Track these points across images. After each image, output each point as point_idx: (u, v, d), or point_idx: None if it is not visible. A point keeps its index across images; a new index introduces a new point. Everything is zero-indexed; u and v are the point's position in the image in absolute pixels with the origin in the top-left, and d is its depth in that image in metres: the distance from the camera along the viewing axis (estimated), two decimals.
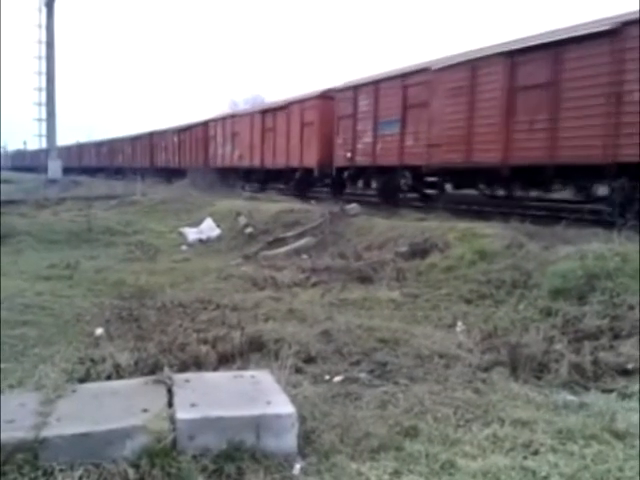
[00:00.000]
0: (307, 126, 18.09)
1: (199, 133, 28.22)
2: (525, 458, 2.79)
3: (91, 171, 45.87)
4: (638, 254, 5.81)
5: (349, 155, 15.77)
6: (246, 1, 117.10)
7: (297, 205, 13.43)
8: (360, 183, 16.71)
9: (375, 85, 14.87)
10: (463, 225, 8.54)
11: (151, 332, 4.99)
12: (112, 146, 43.73)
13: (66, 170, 43.03)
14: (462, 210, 12.28)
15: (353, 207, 11.46)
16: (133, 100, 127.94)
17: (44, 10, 24.43)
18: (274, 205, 13.59)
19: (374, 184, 16.16)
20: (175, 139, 31.74)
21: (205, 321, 5.35)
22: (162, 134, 34.16)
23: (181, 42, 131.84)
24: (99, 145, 47.64)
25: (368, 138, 15.10)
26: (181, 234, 12.49)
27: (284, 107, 19.70)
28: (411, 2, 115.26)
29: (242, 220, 12.30)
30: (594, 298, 5.40)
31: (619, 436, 3.02)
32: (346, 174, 16.56)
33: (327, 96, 17.32)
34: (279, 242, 10.24)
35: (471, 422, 3.23)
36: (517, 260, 6.70)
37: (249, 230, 11.65)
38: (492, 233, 7.70)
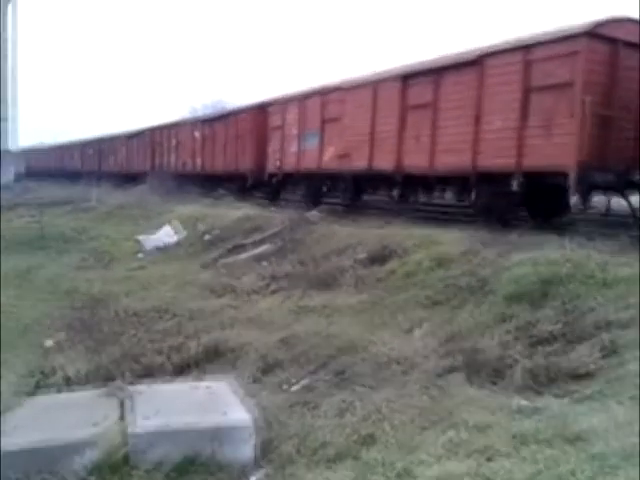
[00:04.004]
0: (543, 93, 9.48)
1: (246, 123, 19.07)
2: (480, 464, 2.81)
3: (74, 177, 37.14)
4: (589, 261, 5.97)
5: None
6: (207, 6, 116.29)
7: (257, 212, 13.35)
8: None
9: None
10: (421, 232, 8.62)
11: (104, 343, 4.87)
12: (101, 146, 35.52)
13: (39, 176, 39.41)
14: (420, 217, 12.38)
15: (313, 214, 11.47)
16: (89, 104, 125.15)
17: None
18: (234, 212, 13.47)
19: None
20: (197, 134, 22.75)
21: (161, 331, 5.26)
22: (172, 128, 25.66)
23: (140, 48, 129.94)
24: (85, 146, 38.69)
25: None
26: (138, 241, 12.26)
27: (468, 63, 10.60)
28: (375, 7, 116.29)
29: (201, 227, 12.15)
30: (547, 304, 5.52)
31: (571, 440, 3.05)
32: None
33: (604, 36, 9.09)
34: (239, 249, 10.14)
35: (428, 428, 3.25)
36: (473, 266, 6.80)
37: (208, 237, 11.51)
38: (449, 240, 7.79)
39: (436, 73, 11.34)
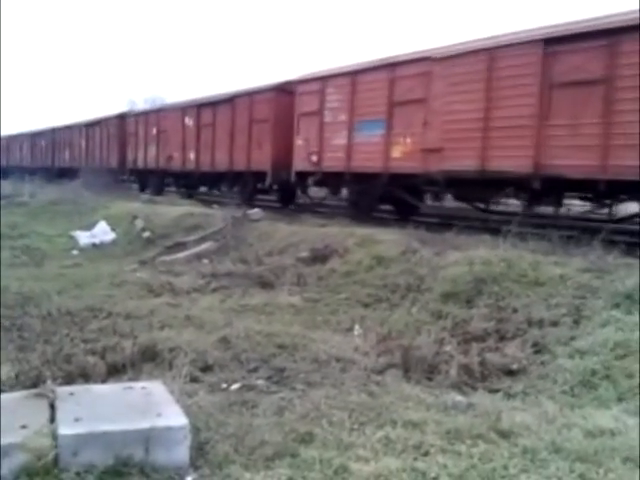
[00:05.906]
0: None
1: (264, 107, 14.71)
2: (416, 459, 2.86)
3: (24, 172, 31.50)
4: (522, 260, 6.19)
5: None
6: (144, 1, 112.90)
7: (198, 209, 13.16)
8: None
9: None
10: (362, 231, 8.73)
11: (34, 342, 4.69)
12: (55, 138, 30.77)
13: None
14: (361, 216, 12.46)
15: (256, 212, 11.41)
16: (21, 96, 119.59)
17: None
18: (174, 208, 13.25)
19: None
20: (189, 122, 18.08)
21: (95, 330, 5.11)
22: (151, 114, 21.27)
23: (77, 40, 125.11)
24: (35, 137, 33.99)
25: None
26: (72, 238, 11.87)
27: None
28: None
29: (139, 224, 11.88)
30: (481, 302, 5.72)
31: (504, 435, 3.16)
32: None
33: None
34: (179, 247, 9.98)
35: (365, 425, 3.28)
36: (411, 265, 6.96)
37: (147, 234, 11.27)
38: (389, 239, 7.93)
39: (610, 35, 7.80)
